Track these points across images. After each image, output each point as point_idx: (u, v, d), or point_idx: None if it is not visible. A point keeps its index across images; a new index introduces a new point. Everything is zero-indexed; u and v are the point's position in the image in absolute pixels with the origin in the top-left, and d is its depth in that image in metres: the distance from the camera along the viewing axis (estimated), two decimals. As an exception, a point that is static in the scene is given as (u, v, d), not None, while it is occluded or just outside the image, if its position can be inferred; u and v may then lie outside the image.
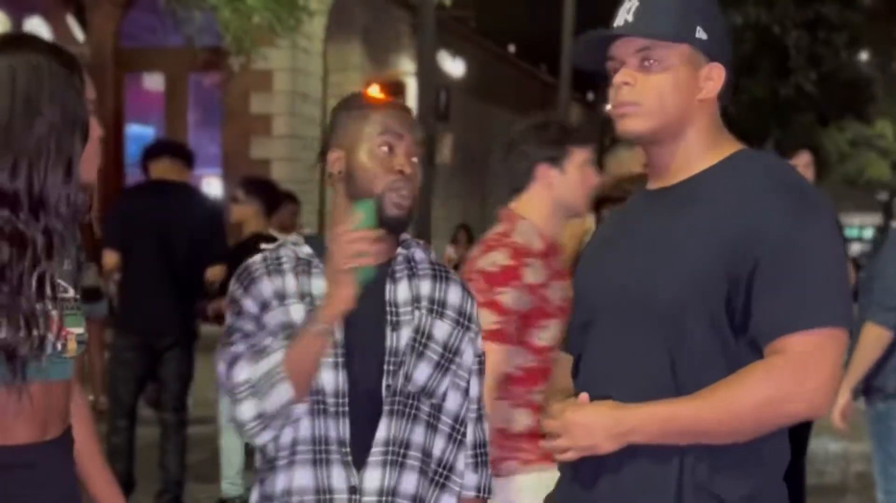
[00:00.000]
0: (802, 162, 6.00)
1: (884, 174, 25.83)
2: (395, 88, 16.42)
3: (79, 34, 18.28)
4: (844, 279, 2.35)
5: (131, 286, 6.90)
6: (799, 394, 2.24)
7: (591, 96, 24.18)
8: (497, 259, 3.57)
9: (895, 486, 5.20)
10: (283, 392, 2.57)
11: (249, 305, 2.71)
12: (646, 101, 2.38)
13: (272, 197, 7.41)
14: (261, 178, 8.53)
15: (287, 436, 2.70)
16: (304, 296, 2.70)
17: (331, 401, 2.65)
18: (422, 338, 2.76)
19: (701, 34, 2.37)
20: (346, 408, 2.66)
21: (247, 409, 2.62)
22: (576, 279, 2.70)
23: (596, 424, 2.33)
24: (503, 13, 20.42)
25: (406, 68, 20.72)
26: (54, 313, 2.43)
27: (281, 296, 2.69)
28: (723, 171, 2.41)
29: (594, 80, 19.98)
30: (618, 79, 2.40)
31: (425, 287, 2.78)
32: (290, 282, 2.72)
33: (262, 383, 2.60)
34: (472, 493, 2.90)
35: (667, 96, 2.38)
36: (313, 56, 18.67)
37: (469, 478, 2.90)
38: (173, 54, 18.30)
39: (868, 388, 5.14)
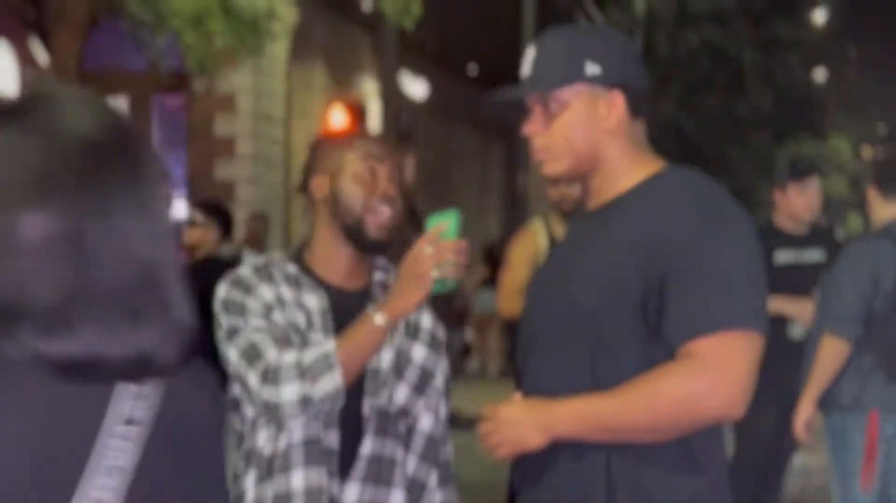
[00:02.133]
0: (813, 186, 6.01)
1: (842, 191, 26.20)
2: (358, 111, 16.50)
3: (42, 56, 17.72)
4: (752, 284, 2.39)
5: None
6: (711, 393, 2.28)
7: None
8: None
9: (848, 496, 5.24)
10: (335, 378, 2.61)
11: (254, 304, 2.75)
12: (554, 146, 2.48)
13: (228, 220, 7.53)
14: (216, 202, 8.64)
15: (283, 442, 2.75)
16: (300, 306, 2.78)
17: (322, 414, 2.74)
18: (402, 360, 2.85)
19: (592, 69, 2.46)
20: (336, 420, 2.74)
21: (290, 391, 2.63)
22: (531, 290, 2.74)
23: (523, 419, 2.40)
24: (462, 34, 20.63)
25: (368, 88, 20.91)
26: None
27: (281, 303, 2.75)
28: (644, 188, 2.48)
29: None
30: (527, 130, 2.53)
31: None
32: (286, 292, 2.79)
33: (313, 367, 2.63)
34: None
35: (571, 136, 2.47)
36: (276, 77, 18.73)
37: (436, 496, 2.97)
38: (136, 77, 18.16)
39: (823, 401, 5.22)
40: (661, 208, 2.40)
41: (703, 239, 2.34)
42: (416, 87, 21.22)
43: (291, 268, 2.85)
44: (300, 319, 2.77)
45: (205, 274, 7.12)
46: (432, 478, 2.92)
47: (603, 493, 2.40)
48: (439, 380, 2.94)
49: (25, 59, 18.02)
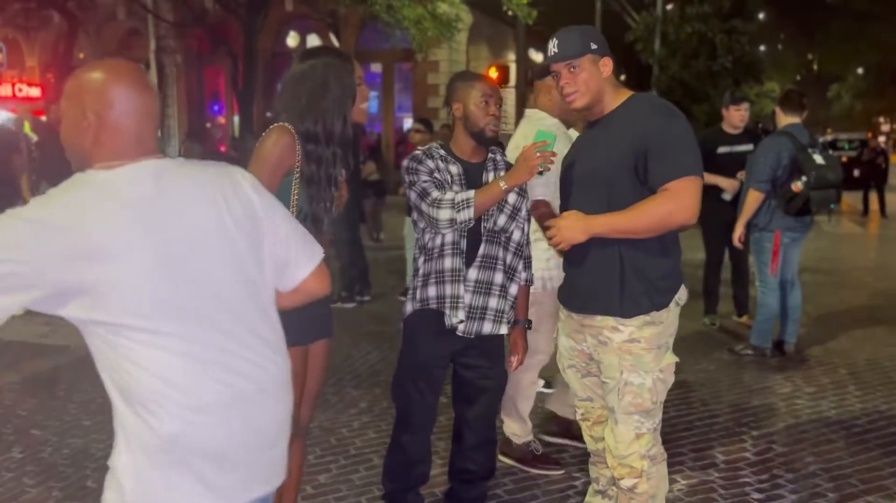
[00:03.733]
0: (743, 107, 5.62)
1: (771, 110, 25.76)
2: (505, 70, 16.51)
3: (336, 43, 18.07)
4: (695, 151, 2.21)
5: None
6: (679, 211, 2.15)
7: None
8: None
9: (764, 280, 4.98)
10: (470, 212, 2.48)
11: (423, 169, 2.57)
12: (578, 89, 2.30)
13: (431, 127, 7.26)
14: (428, 118, 8.12)
15: (438, 241, 2.59)
16: (448, 171, 2.60)
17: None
18: (502, 202, 2.61)
19: (593, 46, 2.29)
20: (466, 233, 2.58)
21: (445, 213, 2.49)
22: (563, 168, 2.49)
23: (574, 224, 2.23)
24: (560, 25, 20.48)
25: (510, 58, 20.54)
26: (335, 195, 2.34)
27: (438, 169, 2.58)
28: (626, 106, 2.31)
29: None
30: (561, 83, 2.33)
31: (502, 174, 2.63)
32: (441, 163, 2.60)
33: (460, 203, 2.48)
34: (523, 283, 2.74)
35: (587, 83, 2.29)
36: (460, 52, 18.94)
37: (522, 275, 2.73)
38: (386, 53, 18.46)
39: (750, 225, 4.95)
40: (639, 113, 2.25)
41: (666, 128, 2.20)
42: (537, 57, 20.65)
43: (443, 151, 2.63)
44: (447, 178, 2.58)
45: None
46: (520, 265, 2.70)
47: (617, 268, 2.27)
48: (523, 212, 2.68)
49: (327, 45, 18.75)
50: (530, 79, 16.60)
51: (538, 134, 2.37)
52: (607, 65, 2.30)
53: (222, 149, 19.87)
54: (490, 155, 2.68)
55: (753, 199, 4.82)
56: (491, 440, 2.83)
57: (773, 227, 4.87)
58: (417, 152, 2.63)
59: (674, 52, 18.96)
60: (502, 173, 2.62)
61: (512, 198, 2.63)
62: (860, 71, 44.18)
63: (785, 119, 4.93)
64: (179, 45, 20.05)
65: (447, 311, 2.57)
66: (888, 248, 10.83)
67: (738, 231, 4.96)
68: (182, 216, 1.39)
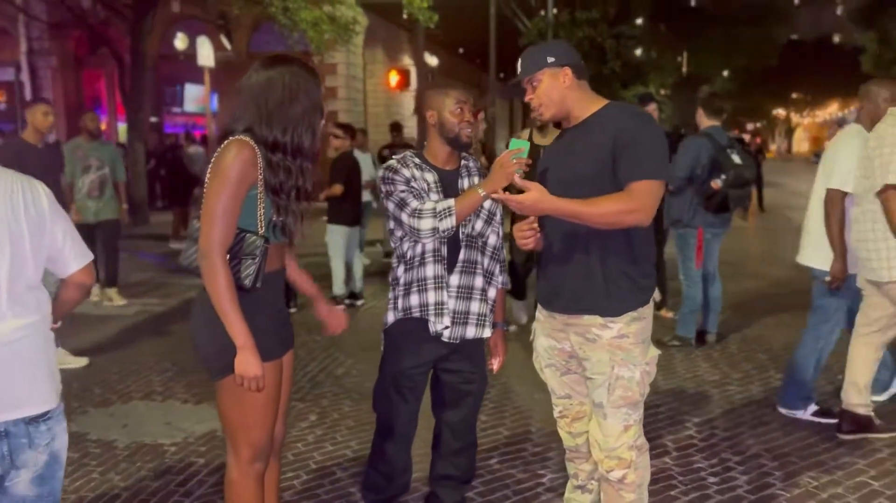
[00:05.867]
0: (651, 108, 5.79)
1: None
2: (405, 74, 16.59)
3: (227, 45, 17.92)
4: (662, 155, 2.28)
5: None
6: (638, 209, 2.20)
7: (502, 75, 24.03)
8: None
9: (689, 274, 5.23)
10: (452, 220, 2.49)
11: (400, 179, 2.56)
12: (541, 102, 2.37)
13: (354, 133, 7.12)
14: (346, 123, 7.57)
15: (419, 249, 2.59)
16: (423, 180, 2.60)
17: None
18: (479, 207, 2.61)
19: (550, 59, 2.35)
20: (446, 240, 2.60)
21: (426, 223, 2.49)
22: (541, 168, 2.51)
23: (534, 200, 2.22)
24: (456, 31, 20.46)
25: (406, 61, 20.66)
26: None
27: (414, 177, 2.58)
28: (603, 112, 2.35)
29: (506, 69, 19.92)
30: (527, 98, 2.41)
31: (476, 180, 2.67)
32: (416, 172, 2.59)
33: (440, 212, 2.49)
34: (500, 286, 2.75)
35: (548, 95, 2.36)
36: (357, 55, 18.69)
37: (500, 278, 2.75)
38: (281, 56, 18.22)
39: (673, 222, 5.20)
40: (616, 117, 2.30)
41: (639, 130, 2.26)
42: (432, 60, 20.80)
43: (417, 159, 2.63)
44: (424, 186, 2.57)
45: (345, 160, 6.82)
46: (496, 269, 2.72)
47: (601, 270, 2.33)
48: (498, 217, 2.70)
49: (218, 47, 17.34)
50: (430, 81, 16.35)
51: (512, 142, 2.40)
52: (567, 74, 2.34)
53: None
54: (463, 162, 2.69)
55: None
56: (472, 443, 2.85)
57: (696, 223, 5.14)
58: (392, 162, 2.60)
59: (564, 57, 19.53)
60: (476, 179, 2.64)
61: (487, 203, 2.64)
62: (726, 73, 47.18)
63: (706, 122, 5.19)
64: (55, 47, 18.77)
65: (432, 318, 2.57)
66: (771, 238, 11.62)
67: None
68: None
